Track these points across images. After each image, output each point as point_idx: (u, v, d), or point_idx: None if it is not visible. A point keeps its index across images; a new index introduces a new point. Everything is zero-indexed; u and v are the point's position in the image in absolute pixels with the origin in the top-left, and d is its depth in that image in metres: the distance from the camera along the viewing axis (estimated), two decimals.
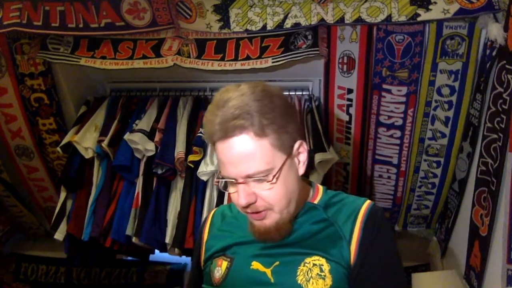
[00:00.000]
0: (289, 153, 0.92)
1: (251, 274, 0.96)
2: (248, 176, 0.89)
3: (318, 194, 1.03)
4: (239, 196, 0.91)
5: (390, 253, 0.95)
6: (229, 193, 0.98)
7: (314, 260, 0.92)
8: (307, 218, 0.98)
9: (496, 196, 1.48)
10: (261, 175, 0.89)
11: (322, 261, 0.92)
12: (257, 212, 0.92)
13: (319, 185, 1.06)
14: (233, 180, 0.91)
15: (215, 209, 1.18)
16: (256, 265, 0.96)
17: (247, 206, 0.91)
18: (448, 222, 2.03)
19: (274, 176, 0.89)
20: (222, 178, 0.93)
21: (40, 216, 2.52)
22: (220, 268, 1.00)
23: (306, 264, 0.92)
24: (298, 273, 0.92)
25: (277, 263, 0.94)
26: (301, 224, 0.97)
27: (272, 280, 0.93)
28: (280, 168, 0.90)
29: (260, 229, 0.95)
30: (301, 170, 0.97)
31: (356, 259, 0.91)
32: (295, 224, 0.97)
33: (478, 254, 1.61)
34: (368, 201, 0.98)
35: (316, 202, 1.00)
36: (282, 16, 1.74)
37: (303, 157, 0.97)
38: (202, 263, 1.09)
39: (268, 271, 0.95)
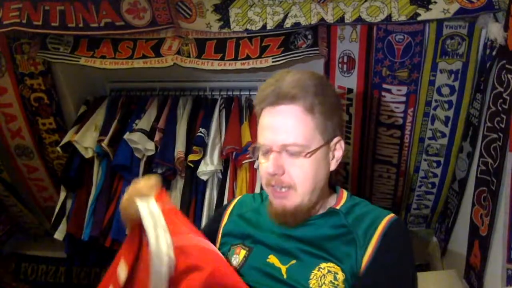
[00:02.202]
0: (327, 142, 0.95)
1: (267, 267, 0.96)
2: (284, 146, 0.91)
3: (341, 199, 1.01)
4: (268, 164, 0.92)
5: (402, 274, 0.91)
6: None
7: (330, 267, 0.90)
8: (327, 221, 0.97)
9: (496, 196, 1.48)
10: (296, 148, 0.91)
11: (337, 269, 0.90)
12: (280, 188, 0.93)
13: (344, 191, 1.05)
14: (268, 148, 0.93)
15: (239, 196, 1.19)
16: (272, 259, 0.96)
17: (273, 176, 0.92)
18: (448, 222, 2.03)
19: (308, 153, 0.91)
20: (256, 146, 0.96)
21: (40, 216, 2.52)
22: (238, 256, 1.00)
23: (320, 269, 0.90)
24: (311, 276, 0.90)
25: (293, 261, 0.94)
26: (321, 226, 0.96)
27: (285, 277, 0.93)
28: (316, 150, 0.92)
29: (278, 210, 0.95)
30: (333, 166, 0.99)
31: (365, 270, 0.88)
32: (315, 225, 0.96)
33: (478, 254, 1.61)
34: (392, 214, 0.95)
35: (338, 207, 0.99)
36: (282, 16, 1.74)
37: (338, 154, 0.99)
38: (218, 245, 1.09)
39: (283, 268, 0.94)
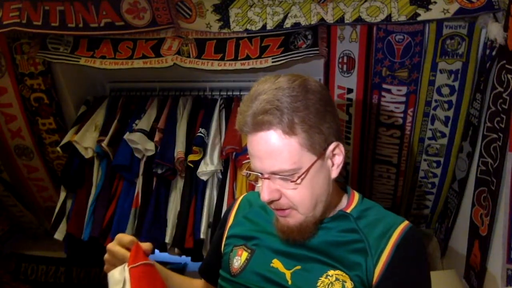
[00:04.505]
0: (320, 154, 0.88)
1: (270, 272, 0.94)
2: (273, 173, 0.87)
3: (352, 202, 0.99)
4: (262, 191, 0.89)
5: (418, 285, 0.90)
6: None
7: (338, 274, 0.88)
8: (336, 226, 0.95)
9: (496, 196, 1.48)
10: (285, 174, 0.86)
11: (346, 277, 0.88)
12: (281, 209, 0.91)
13: (356, 192, 1.02)
14: (259, 174, 0.89)
15: (244, 194, 1.17)
16: (276, 263, 0.95)
17: (271, 202, 0.90)
18: (448, 222, 2.03)
19: (299, 176, 0.87)
20: (250, 170, 0.92)
21: (40, 216, 2.52)
22: (240, 258, 0.99)
23: (328, 277, 0.89)
24: (318, 283, 0.89)
25: (298, 267, 0.92)
26: (329, 230, 0.94)
27: (290, 283, 0.91)
28: (308, 169, 0.87)
29: (283, 227, 0.93)
30: (334, 173, 0.93)
31: (379, 282, 0.87)
32: (322, 229, 0.94)
33: (478, 254, 1.61)
34: (406, 222, 0.93)
35: (349, 211, 0.96)
36: (282, 16, 1.73)
37: (338, 159, 0.93)
38: (222, 247, 1.08)
39: (288, 273, 0.92)
